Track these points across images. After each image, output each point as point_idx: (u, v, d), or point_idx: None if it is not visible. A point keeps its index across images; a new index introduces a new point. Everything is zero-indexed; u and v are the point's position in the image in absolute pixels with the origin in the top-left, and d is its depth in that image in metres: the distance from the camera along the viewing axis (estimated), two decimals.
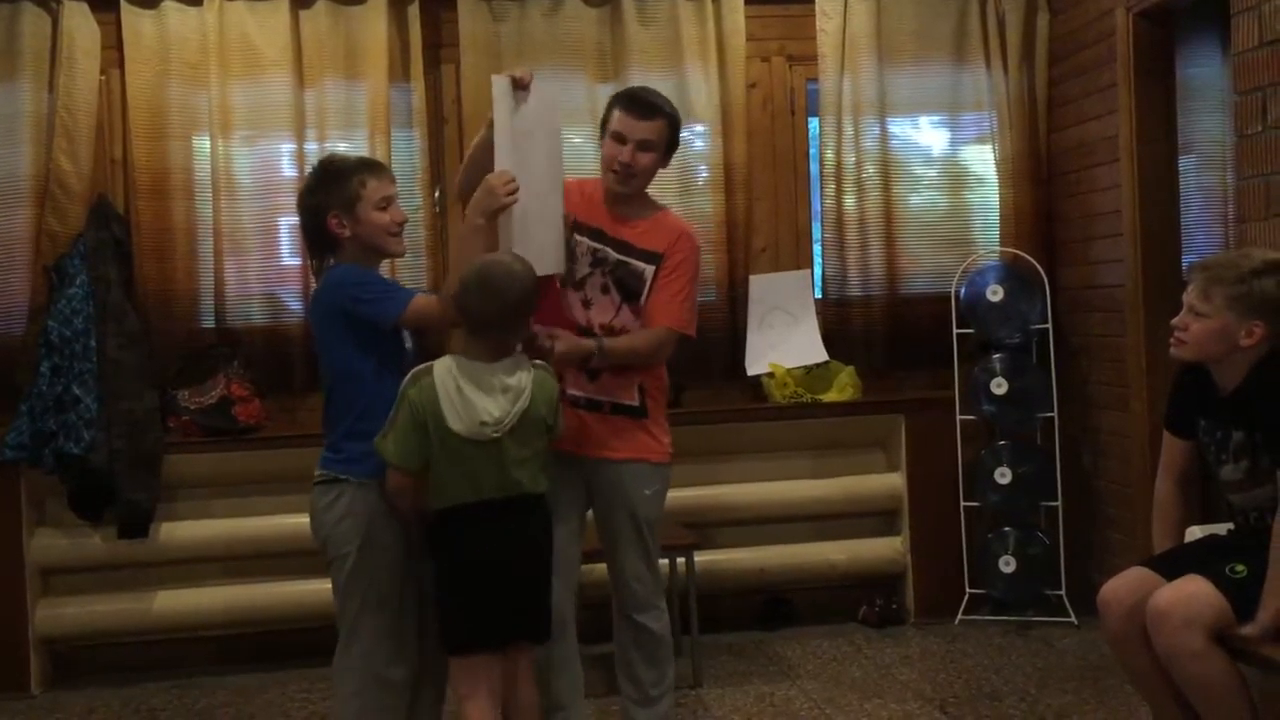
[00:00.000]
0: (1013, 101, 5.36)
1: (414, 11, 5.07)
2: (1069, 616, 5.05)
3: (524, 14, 5.16)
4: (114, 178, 5.02)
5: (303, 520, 4.72)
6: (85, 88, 4.88)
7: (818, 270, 5.42)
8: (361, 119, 5.05)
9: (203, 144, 5.01)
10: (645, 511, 3.42)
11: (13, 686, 4.69)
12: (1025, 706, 4.19)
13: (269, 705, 4.53)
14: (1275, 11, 3.70)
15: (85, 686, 4.79)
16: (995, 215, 5.41)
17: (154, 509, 4.73)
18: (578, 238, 3.40)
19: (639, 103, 3.38)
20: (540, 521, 3.13)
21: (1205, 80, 5.14)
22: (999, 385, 5.11)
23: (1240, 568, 3.07)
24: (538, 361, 3.12)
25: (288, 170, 5.10)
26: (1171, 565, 3.21)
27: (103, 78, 4.96)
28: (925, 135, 5.53)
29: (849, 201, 5.33)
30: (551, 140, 3.32)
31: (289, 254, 5.10)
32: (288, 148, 5.08)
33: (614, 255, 3.40)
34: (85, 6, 4.89)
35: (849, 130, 5.31)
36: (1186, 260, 4.79)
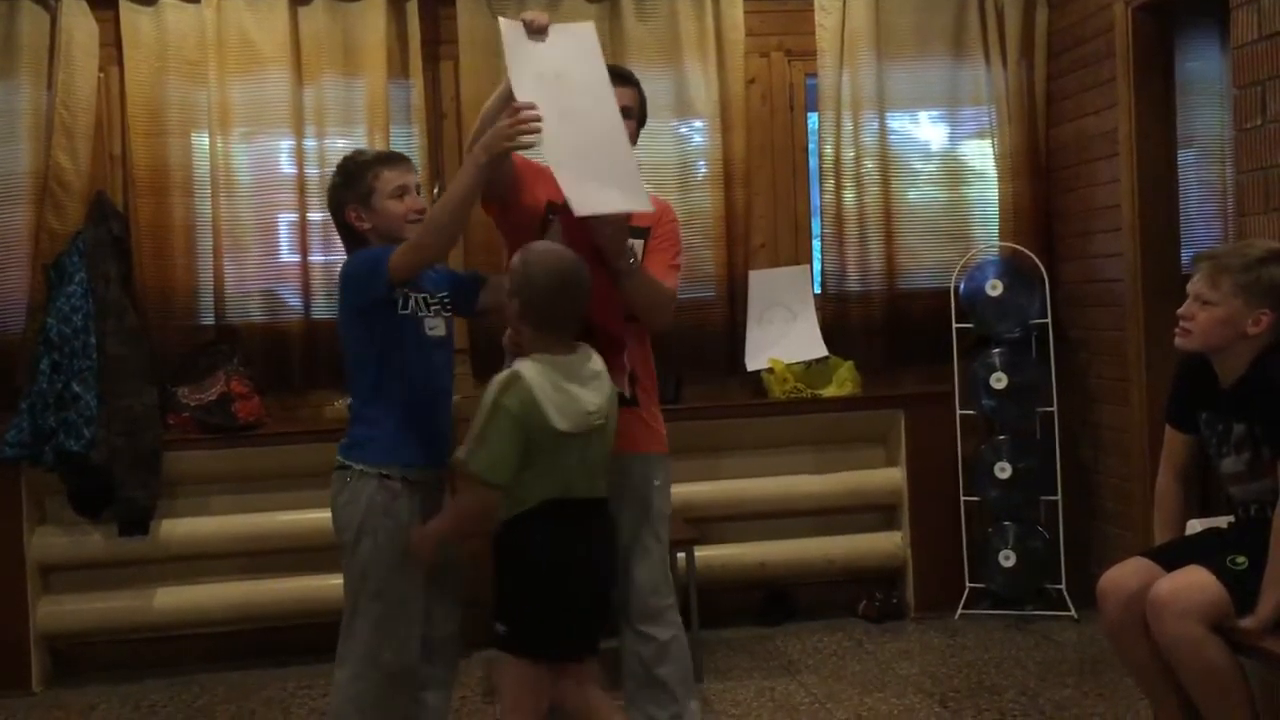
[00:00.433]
0: (1012, 96, 5.35)
1: (412, 8, 5.07)
2: (1069, 611, 5.06)
3: (523, 9, 5.09)
4: (113, 175, 5.01)
5: (302, 517, 4.80)
6: (84, 85, 4.87)
7: (817, 265, 5.42)
8: (360, 115, 5.05)
9: (201, 141, 5.01)
10: (658, 504, 3.32)
11: (14, 684, 4.69)
12: (1025, 700, 4.19)
13: (269, 702, 4.53)
14: (1274, 5, 3.70)
15: (86, 684, 4.79)
16: (994, 210, 5.41)
17: (154, 506, 4.73)
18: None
19: (612, 72, 3.23)
20: (612, 526, 3.11)
21: (1204, 74, 5.15)
22: (998, 380, 5.11)
23: (1241, 560, 3.08)
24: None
25: (286, 167, 5.09)
26: (1172, 556, 3.22)
27: (101, 75, 4.95)
28: (924, 130, 5.53)
29: (848, 196, 5.33)
30: (595, 83, 3.10)
31: (288, 251, 5.10)
32: (287, 144, 5.07)
33: None
34: (84, 3, 4.88)
35: (848, 125, 5.31)
36: (1186, 254, 4.79)
